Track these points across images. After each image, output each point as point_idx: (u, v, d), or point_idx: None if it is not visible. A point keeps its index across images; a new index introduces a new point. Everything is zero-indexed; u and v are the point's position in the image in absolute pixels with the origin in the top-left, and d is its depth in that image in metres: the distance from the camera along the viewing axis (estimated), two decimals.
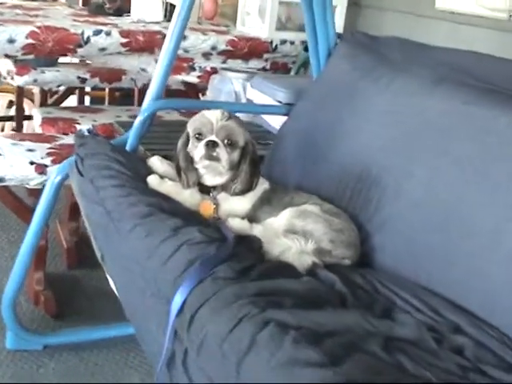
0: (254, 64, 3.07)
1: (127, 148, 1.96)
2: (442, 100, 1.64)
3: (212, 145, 1.62)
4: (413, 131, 1.67)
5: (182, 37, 2.03)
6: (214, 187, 1.71)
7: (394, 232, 1.60)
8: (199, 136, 1.65)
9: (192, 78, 3.05)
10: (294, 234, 1.59)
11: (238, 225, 1.64)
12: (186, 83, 3.22)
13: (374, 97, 1.84)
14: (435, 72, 1.77)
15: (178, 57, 2.98)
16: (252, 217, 1.71)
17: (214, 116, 1.65)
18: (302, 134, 2.01)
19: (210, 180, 1.71)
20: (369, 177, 1.74)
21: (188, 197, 1.70)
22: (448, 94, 1.64)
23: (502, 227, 1.39)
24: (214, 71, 3.04)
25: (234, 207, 1.72)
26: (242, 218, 1.70)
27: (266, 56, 3.03)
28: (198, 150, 1.64)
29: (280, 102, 2.55)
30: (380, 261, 1.61)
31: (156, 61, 2.97)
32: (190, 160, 1.69)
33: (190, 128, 1.69)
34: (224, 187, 1.70)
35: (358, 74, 1.95)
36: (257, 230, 1.62)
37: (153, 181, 1.72)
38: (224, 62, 3.03)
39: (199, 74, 3.03)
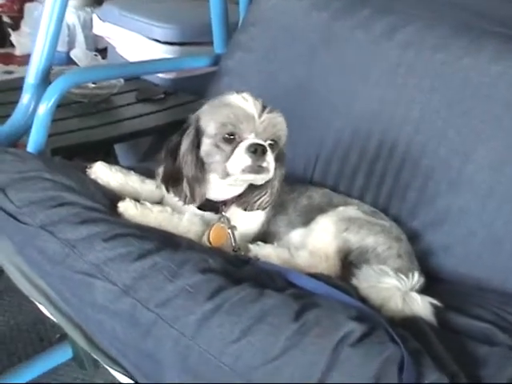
0: None
1: (31, 150, 1.29)
2: (489, 59, 1.27)
3: (261, 151, 1.08)
4: (457, 99, 1.30)
5: None
6: (224, 202, 1.19)
7: (463, 231, 1.26)
8: (231, 137, 1.10)
9: None
10: (350, 254, 1.18)
11: (273, 255, 1.16)
12: None
13: (372, 48, 1.41)
14: (445, 16, 1.40)
15: None
16: (265, 233, 1.25)
17: (252, 106, 1.10)
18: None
19: (222, 193, 1.18)
20: (393, 157, 1.35)
21: (188, 224, 1.15)
22: (492, 50, 1.28)
23: None
24: None
25: (247, 226, 1.22)
26: (253, 239, 1.23)
27: None
28: (236, 159, 1.08)
29: (158, 40, 2.00)
30: (450, 269, 1.26)
31: None
32: (200, 167, 1.13)
33: (211, 123, 1.11)
34: (238, 201, 1.18)
35: (325, 16, 1.49)
36: (302, 258, 1.17)
37: (130, 210, 1.13)
38: None
39: (1, 1, 2.23)
